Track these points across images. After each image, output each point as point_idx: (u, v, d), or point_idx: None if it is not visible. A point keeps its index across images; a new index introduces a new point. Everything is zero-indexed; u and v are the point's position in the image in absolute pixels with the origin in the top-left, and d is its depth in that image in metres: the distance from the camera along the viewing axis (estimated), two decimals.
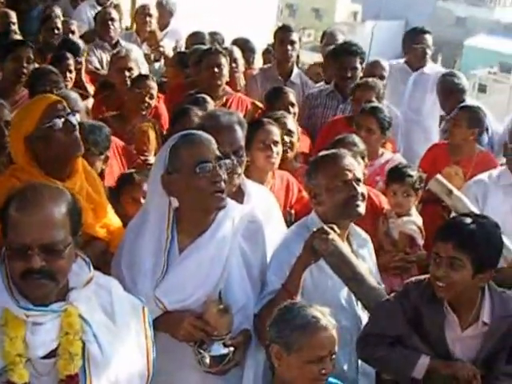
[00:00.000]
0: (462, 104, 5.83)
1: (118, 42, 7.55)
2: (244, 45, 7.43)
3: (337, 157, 3.65)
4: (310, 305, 2.97)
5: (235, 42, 7.55)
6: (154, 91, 5.80)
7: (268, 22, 14.74)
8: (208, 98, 5.46)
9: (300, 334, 2.87)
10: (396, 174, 4.68)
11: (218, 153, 3.16)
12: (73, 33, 7.61)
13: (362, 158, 4.62)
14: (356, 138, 4.81)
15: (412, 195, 4.62)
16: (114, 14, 7.72)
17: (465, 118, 5.54)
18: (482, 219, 3.28)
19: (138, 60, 6.77)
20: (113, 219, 3.88)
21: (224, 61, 5.99)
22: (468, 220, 3.21)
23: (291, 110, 5.58)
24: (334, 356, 2.94)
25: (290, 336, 2.88)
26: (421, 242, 4.56)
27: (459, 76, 6.50)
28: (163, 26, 8.85)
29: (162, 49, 8.00)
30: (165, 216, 3.18)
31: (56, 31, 7.52)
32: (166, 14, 8.96)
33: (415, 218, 4.63)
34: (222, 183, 3.12)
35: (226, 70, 6.01)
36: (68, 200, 2.47)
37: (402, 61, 7.31)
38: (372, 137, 5.18)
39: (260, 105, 6.06)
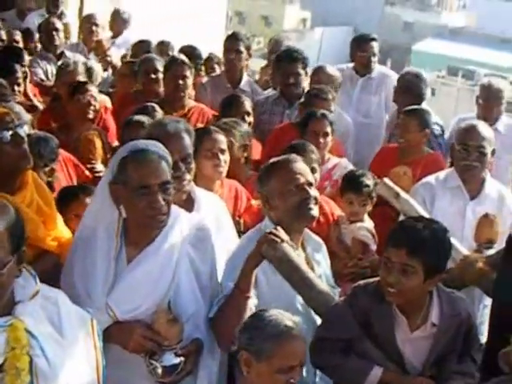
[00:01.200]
0: (407, 108, 5.88)
1: (62, 52, 7.48)
2: (191, 52, 7.42)
3: (289, 162, 3.70)
4: (283, 313, 2.95)
5: (182, 50, 7.54)
6: (96, 94, 5.82)
7: (218, 30, 14.78)
8: (157, 107, 5.44)
9: (273, 343, 2.84)
10: (353, 184, 4.67)
11: (165, 176, 3.15)
12: (17, 43, 7.54)
13: (318, 165, 4.67)
14: (311, 146, 4.82)
15: (368, 204, 4.64)
16: (58, 23, 7.64)
17: (414, 121, 5.59)
18: (433, 224, 3.30)
19: (95, 71, 6.74)
20: (63, 231, 3.85)
21: (189, 72, 6.00)
22: (419, 225, 3.22)
23: (247, 118, 5.59)
24: (303, 366, 2.94)
25: (262, 344, 2.85)
26: (374, 247, 4.56)
27: (422, 77, 6.54)
28: (117, 35, 8.88)
29: (109, 58, 7.97)
30: (114, 224, 3.18)
31: (0, 43, 7.44)
32: (120, 24, 8.97)
33: (367, 224, 4.64)
34: (163, 207, 3.13)
35: (190, 81, 6.02)
36: (9, 216, 2.44)
37: (350, 65, 7.36)
38: (326, 141, 5.22)
39: None
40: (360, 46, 7.23)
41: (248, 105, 5.72)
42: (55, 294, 2.64)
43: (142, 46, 7.68)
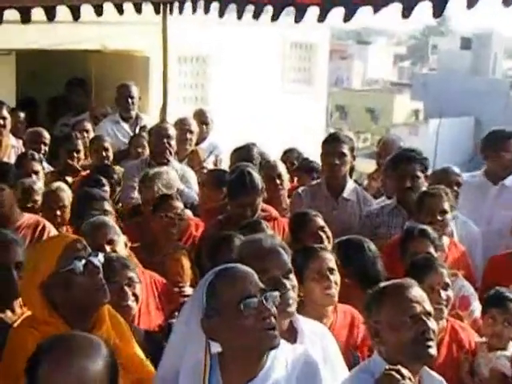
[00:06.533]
0: None
1: (169, 160, 7.48)
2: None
3: (402, 287, 3.59)
4: None
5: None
6: (182, 211, 5.88)
7: (317, 127, 14.91)
8: (263, 222, 5.39)
9: None
10: (497, 299, 4.60)
11: (261, 285, 3.11)
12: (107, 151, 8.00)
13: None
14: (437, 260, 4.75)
15: None
16: (172, 131, 7.68)
17: None
18: None
19: (172, 182, 6.76)
20: (145, 370, 3.72)
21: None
22: None
23: (322, 235, 5.40)
24: None
25: None
26: None
27: None
28: (201, 139, 8.88)
29: (206, 170, 7.89)
30: (201, 364, 3.08)
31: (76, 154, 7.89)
32: (204, 126, 9.05)
33: (511, 353, 4.48)
34: (273, 318, 3.05)
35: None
36: (104, 353, 2.53)
37: (479, 173, 6.97)
38: None
39: None
40: (497, 144, 6.75)
41: (320, 220, 5.52)
42: None
43: (241, 153, 7.62)
